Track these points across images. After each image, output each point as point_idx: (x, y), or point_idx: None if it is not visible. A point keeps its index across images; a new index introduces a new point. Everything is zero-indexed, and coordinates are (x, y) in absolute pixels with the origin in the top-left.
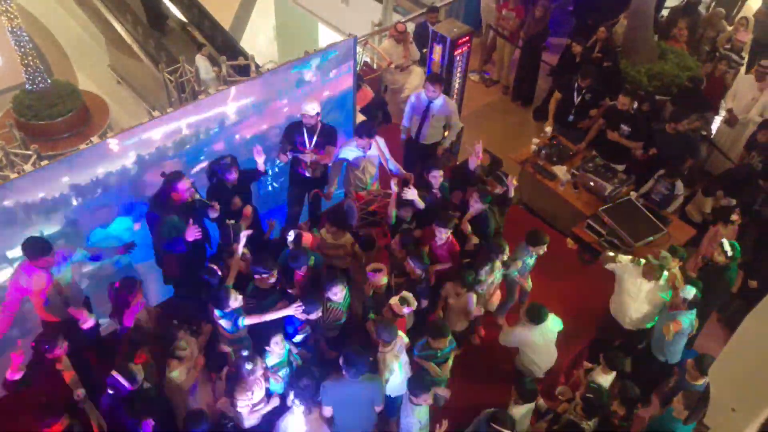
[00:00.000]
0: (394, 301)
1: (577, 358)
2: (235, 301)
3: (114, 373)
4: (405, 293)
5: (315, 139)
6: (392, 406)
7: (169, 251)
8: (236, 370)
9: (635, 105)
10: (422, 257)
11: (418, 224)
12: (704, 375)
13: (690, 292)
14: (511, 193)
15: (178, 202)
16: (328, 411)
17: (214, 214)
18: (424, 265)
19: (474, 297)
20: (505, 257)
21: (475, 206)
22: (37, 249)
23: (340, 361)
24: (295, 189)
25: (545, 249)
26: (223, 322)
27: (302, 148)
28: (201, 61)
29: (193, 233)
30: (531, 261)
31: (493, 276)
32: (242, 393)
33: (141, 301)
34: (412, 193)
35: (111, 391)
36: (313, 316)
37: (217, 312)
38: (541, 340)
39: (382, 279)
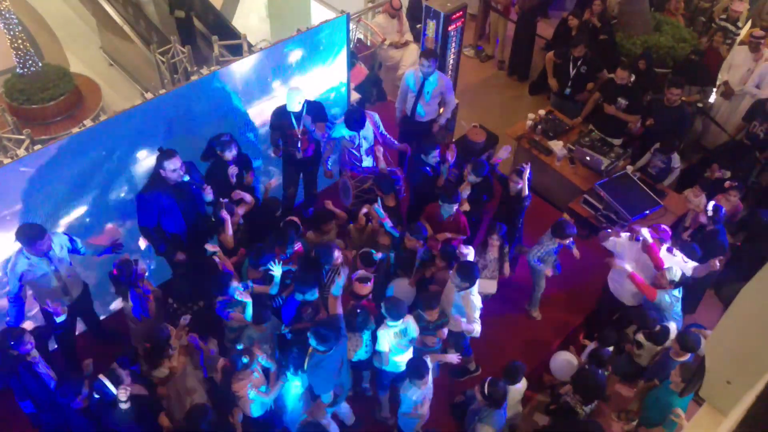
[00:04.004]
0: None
1: (572, 335)
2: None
3: (101, 376)
4: (362, 273)
5: (303, 119)
6: (381, 379)
7: (143, 226)
8: (231, 364)
9: (632, 78)
10: (420, 231)
11: (417, 200)
12: (687, 351)
13: (677, 274)
14: (525, 192)
15: (169, 182)
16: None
17: (209, 196)
18: (423, 236)
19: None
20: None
21: (470, 180)
22: (31, 235)
23: (314, 341)
24: (289, 169)
25: (569, 242)
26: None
27: (291, 132)
28: None
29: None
30: (554, 249)
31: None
32: (239, 384)
33: (146, 289)
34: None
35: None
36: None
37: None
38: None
39: (364, 290)
